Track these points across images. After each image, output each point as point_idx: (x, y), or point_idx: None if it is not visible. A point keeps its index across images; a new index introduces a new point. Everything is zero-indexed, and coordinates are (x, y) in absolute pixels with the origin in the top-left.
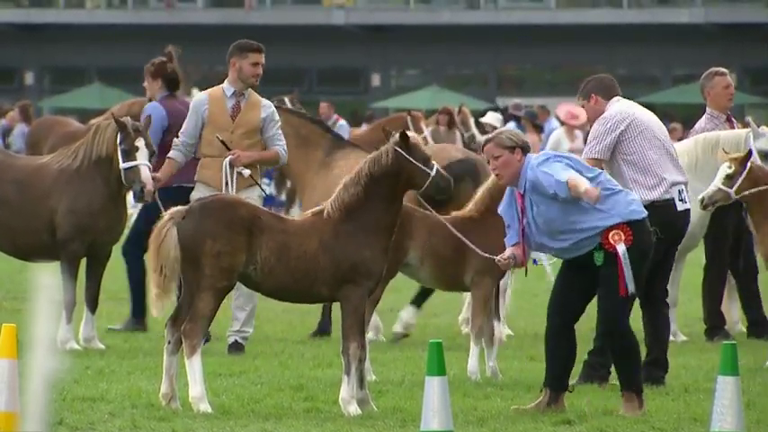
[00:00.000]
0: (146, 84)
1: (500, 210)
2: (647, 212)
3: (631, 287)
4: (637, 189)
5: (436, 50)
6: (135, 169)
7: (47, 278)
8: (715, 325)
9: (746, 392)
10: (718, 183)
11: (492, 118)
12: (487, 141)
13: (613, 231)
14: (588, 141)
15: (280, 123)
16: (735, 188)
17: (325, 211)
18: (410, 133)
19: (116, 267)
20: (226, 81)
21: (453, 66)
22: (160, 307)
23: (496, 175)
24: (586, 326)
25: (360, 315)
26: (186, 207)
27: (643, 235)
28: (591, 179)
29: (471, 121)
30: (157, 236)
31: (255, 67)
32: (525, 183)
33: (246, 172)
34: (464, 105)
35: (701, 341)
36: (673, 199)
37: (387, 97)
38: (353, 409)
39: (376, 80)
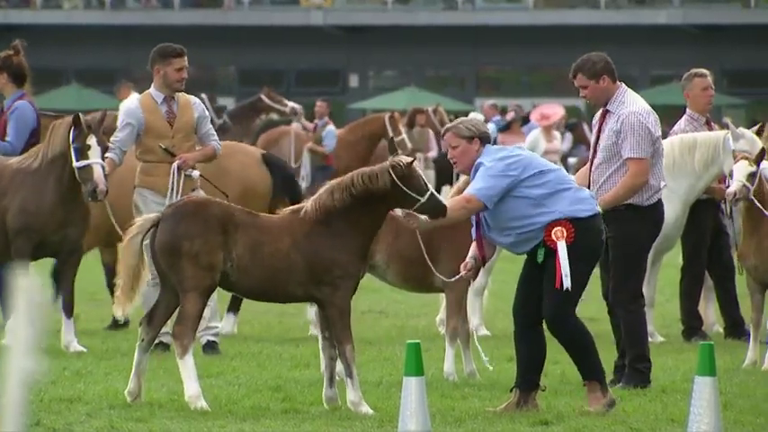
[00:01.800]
0: None
1: None
2: (595, 211)
3: (566, 283)
4: (642, 190)
5: (414, 51)
6: (88, 168)
7: (25, 280)
8: (692, 326)
9: (724, 393)
10: (742, 179)
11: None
12: (446, 131)
13: (556, 228)
14: (630, 137)
15: (209, 118)
16: (754, 186)
17: (303, 210)
18: (408, 161)
19: (93, 269)
20: (152, 87)
21: (431, 67)
22: (121, 311)
23: (454, 164)
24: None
25: (347, 317)
26: (156, 215)
27: (588, 233)
28: (540, 175)
29: (447, 120)
30: (124, 245)
31: (180, 72)
32: (474, 170)
33: (196, 173)
34: (439, 105)
35: (679, 342)
36: (660, 199)
37: (365, 98)
38: (365, 409)
39: (354, 81)
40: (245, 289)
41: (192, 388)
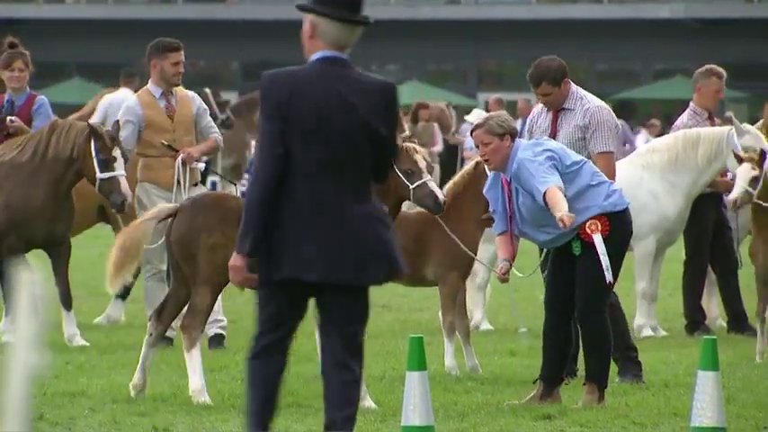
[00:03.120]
0: (23, 74)
1: (485, 191)
2: (627, 205)
3: (608, 276)
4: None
5: (416, 45)
6: (113, 180)
7: (27, 274)
8: (695, 320)
9: (726, 387)
10: (744, 185)
11: (477, 116)
12: (477, 127)
13: (590, 221)
14: (601, 131)
15: (208, 111)
16: (757, 190)
17: None
18: (412, 145)
19: (96, 263)
20: (150, 82)
21: (434, 61)
22: (113, 286)
23: (486, 161)
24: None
25: None
26: (173, 205)
27: (621, 226)
28: (575, 170)
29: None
30: (135, 222)
31: (176, 66)
32: (512, 170)
33: (201, 165)
34: (450, 104)
35: (682, 336)
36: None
37: None
38: (368, 404)
39: None
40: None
41: (196, 382)
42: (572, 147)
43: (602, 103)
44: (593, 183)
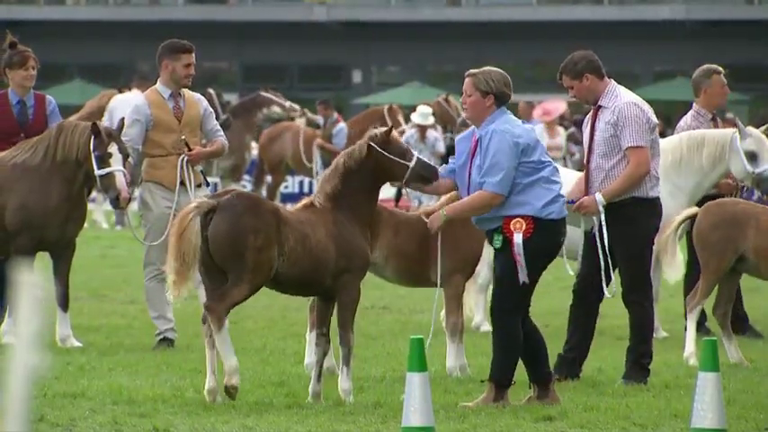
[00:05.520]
0: (35, 72)
1: (456, 139)
2: (562, 215)
3: (522, 277)
4: (644, 181)
5: (417, 47)
6: (110, 176)
7: (29, 275)
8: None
9: (727, 389)
10: None
11: (418, 114)
12: (468, 75)
13: (516, 219)
14: (629, 126)
15: (214, 114)
16: None
17: (316, 203)
18: (385, 129)
19: (97, 264)
20: (159, 83)
21: (434, 62)
22: (177, 293)
23: (464, 110)
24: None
25: (355, 306)
26: (212, 202)
27: (546, 234)
28: (535, 168)
29: (461, 109)
30: (180, 223)
31: (188, 68)
32: (485, 134)
33: (198, 168)
34: (449, 94)
35: (683, 337)
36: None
37: (368, 94)
38: (352, 399)
39: (357, 76)
40: (289, 282)
41: (231, 362)
42: (605, 144)
43: (635, 99)
44: (543, 185)
